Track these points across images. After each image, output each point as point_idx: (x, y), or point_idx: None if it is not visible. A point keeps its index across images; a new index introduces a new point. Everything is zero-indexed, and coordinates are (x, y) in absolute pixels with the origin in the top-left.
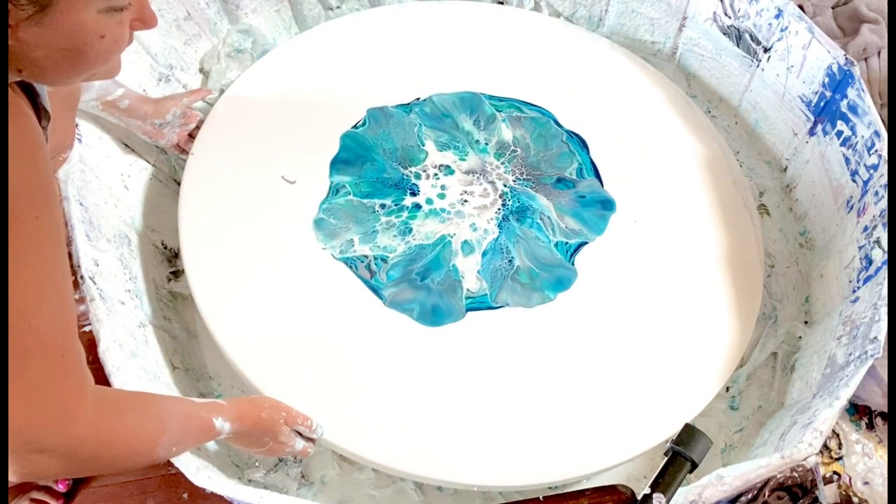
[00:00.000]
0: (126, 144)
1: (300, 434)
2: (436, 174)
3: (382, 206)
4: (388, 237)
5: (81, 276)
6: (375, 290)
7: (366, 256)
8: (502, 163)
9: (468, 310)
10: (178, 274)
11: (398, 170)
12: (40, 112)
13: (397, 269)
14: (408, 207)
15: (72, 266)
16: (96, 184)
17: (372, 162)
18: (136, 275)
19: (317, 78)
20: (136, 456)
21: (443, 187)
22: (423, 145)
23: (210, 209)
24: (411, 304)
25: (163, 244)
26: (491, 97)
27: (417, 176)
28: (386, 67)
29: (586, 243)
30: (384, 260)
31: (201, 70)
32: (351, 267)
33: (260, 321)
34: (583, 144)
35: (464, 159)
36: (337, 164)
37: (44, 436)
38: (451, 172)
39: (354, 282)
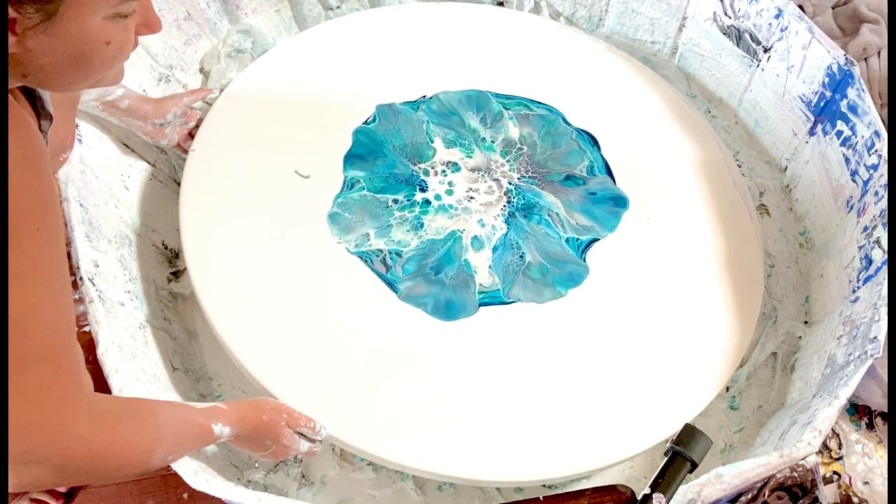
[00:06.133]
0: (126, 145)
1: (304, 436)
2: (443, 171)
3: (395, 200)
4: (402, 232)
5: (80, 278)
6: (391, 284)
7: (380, 250)
8: (507, 160)
9: (481, 305)
10: (178, 274)
11: (408, 165)
12: (42, 114)
13: (412, 262)
14: (419, 203)
15: (71, 268)
16: (96, 184)
17: (383, 157)
18: (136, 275)
19: (318, 75)
20: (129, 467)
21: (450, 184)
22: (432, 142)
23: (213, 203)
24: (425, 299)
25: (163, 244)
26: (498, 95)
27: (426, 172)
28: (388, 66)
29: (598, 240)
30: (399, 254)
31: (201, 70)
32: (366, 261)
33: (270, 316)
34: (593, 142)
35: (470, 156)
36: (351, 159)
37: (35, 447)
38: (458, 169)
39: (367, 275)
